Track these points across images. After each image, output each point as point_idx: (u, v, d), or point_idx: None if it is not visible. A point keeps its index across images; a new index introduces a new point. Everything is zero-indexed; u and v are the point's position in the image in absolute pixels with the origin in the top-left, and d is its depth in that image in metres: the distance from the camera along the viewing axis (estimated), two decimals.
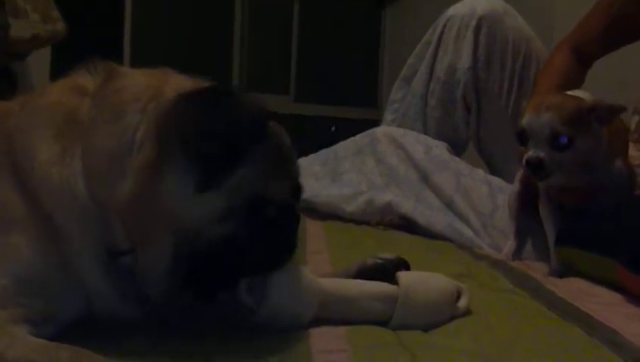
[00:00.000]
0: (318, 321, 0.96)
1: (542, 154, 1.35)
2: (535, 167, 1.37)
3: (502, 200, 1.83)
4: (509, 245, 1.67)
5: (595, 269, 1.39)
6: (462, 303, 1.06)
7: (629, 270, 1.27)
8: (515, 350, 0.94)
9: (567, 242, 1.48)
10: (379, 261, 1.08)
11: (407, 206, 1.95)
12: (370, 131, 2.19)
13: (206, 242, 0.84)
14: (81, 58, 0.91)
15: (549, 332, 1.04)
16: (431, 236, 1.86)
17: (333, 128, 4.97)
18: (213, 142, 0.81)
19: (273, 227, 0.88)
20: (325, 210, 2.03)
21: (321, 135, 3.98)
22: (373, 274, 1.04)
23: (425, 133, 2.15)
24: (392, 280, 1.01)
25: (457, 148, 2.15)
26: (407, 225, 1.94)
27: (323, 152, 2.22)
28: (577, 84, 1.67)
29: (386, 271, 1.04)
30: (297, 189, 0.94)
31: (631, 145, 1.61)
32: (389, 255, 1.09)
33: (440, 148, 2.05)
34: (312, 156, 2.19)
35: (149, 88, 0.86)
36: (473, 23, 2.07)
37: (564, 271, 1.45)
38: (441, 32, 2.16)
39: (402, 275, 1.02)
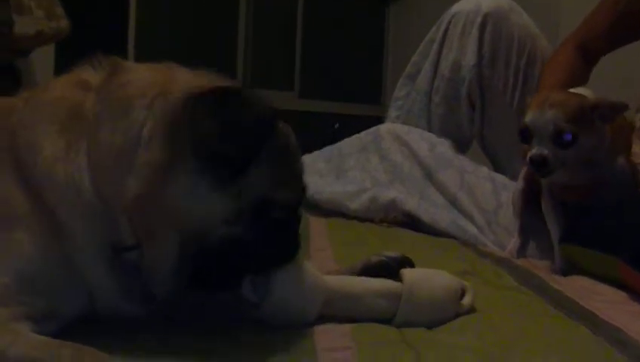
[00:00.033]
0: (323, 318, 0.96)
1: (545, 152, 1.35)
2: (538, 165, 1.36)
3: (506, 198, 1.83)
4: (513, 242, 1.67)
5: (599, 267, 1.39)
6: (466, 300, 1.06)
7: (632, 267, 1.27)
8: (519, 348, 0.94)
9: (571, 240, 1.48)
10: (383, 259, 1.08)
11: (412, 203, 1.95)
12: (374, 128, 2.19)
13: (213, 242, 0.84)
14: (85, 55, 0.91)
15: (554, 330, 1.04)
16: (435, 233, 1.86)
17: (336, 125, 4.97)
18: (225, 144, 0.81)
19: (278, 228, 0.88)
20: (329, 207, 2.03)
21: (325, 131, 3.98)
22: (378, 271, 1.04)
23: (429, 130, 2.15)
24: (396, 278, 1.01)
25: (461, 146, 2.15)
26: (411, 223, 1.93)
27: (327, 149, 2.21)
28: (582, 81, 1.66)
29: (390, 269, 1.04)
30: (302, 189, 0.94)
31: (635, 140, 1.60)
32: (393, 253, 1.09)
33: (444, 146, 2.05)
34: (316, 153, 2.19)
35: (155, 84, 0.85)
36: (478, 19, 2.06)
37: (568, 269, 1.45)
38: (446, 29, 2.15)
39: (406, 272, 1.02)
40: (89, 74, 0.89)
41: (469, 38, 2.08)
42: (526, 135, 1.38)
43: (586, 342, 0.98)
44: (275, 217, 0.87)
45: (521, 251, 1.65)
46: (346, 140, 2.22)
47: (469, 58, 2.07)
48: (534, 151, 1.36)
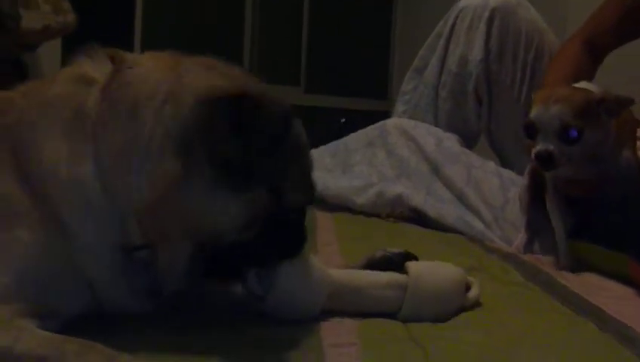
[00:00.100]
0: (329, 314, 0.96)
1: (551, 147, 1.34)
2: (544, 160, 1.36)
3: (513, 193, 1.82)
4: (520, 238, 1.66)
5: (608, 264, 1.39)
6: (472, 294, 1.06)
7: None
8: (526, 343, 0.94)
9: (579, 236, 1.47)
10: (387, 254, 1.08)
11: (418, 198, 1.94)
12: (380, 123, 2.18)
13: (225, 246, 0.85)
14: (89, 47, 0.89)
15: (561, 326, 1.04)
16: (442, 229, 1.85)
17: (342, 120, 4.97)
18: (240, 151, 0.80)
19: (287, 227, 0.88)
20: (335, 202, 2.03)
21: (332, 126, 3.97)
22: (382, 266, 1.04)
23: (436, 125, 2.15)
24: (401, 272, 1.01)
25: (468, 141, 2.14)
26: (418, 218, 1.93)
27: (333, 144, 2.21)
28: (588, 76, 1.65)
29: (394, 264, 1.04)
30: (312, 189, 0.94)
31: None
32: (396, 249, 1.09)
33: (451, 141, 2.05)
34: (322, 148, 2.19)
35: (163, 83, 0.83)
36: (486, 14, 2.06)
37: (576, 265, 1.44)
38: (453, 24, 2.15)
39: (412, 265, 1.02)
40: (91, 67, 0.87)
41: (477, 33, 2.07)
42: (531, 131, 1.37)
43: (594, 338, 0.98)
44: (285, 218, 0.87)
45: (528, 247, 1.64)
46: (352, 135, 2.22)
47: (477, 53, 2.07)
48: (540, 147, 1.35)
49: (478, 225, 1.83)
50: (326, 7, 5.57)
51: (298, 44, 5.54)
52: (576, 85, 1.45)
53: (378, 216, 1.97)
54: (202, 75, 0.85)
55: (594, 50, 1.75)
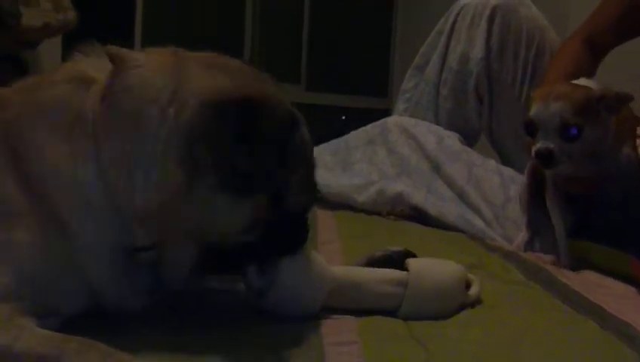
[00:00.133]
0: (330, 312, 0.95)
1: (551, 146, 1.34)
2: (545, 159, 1.35)
3: (514, 191, 1.82)
4: (521, 236, 1.66)
5: (608, 262, 1.39)
6: (473, 291, 1.06)
7: None
8: (527, 342, 0.94)
9: (578, 234, 1.47)
10: (387, 253, 1.08)
11: (419, 196, 1.94)
12: (381, 121, 2.18)
13: (228, 247, 0.86)
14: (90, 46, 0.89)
15: (562, 325, 1.03)
16: (442, 227, 1.85)
17: (343, 118, 4.96)
18: (245, 158, 0.80)
19: (289, 226, 0.89)
20: (336, 200, 2.03)
21: (332, 124, 3.97)
22: (382, 265, 1.04)
23: (436, 124, 2.14)
24: (402, 270, 1.01)
25: (469, 139, 2.14)
26: (419, 216, 1.93)
27: (334, 142, 2.21)
28: (589, 74, 1.65)
29: (394, 262, 1.04)
30: (315, 190, 0.94)
31: None
32: (396, 247, 1.09)
33: (452, 139, 2.04)
34: (322, 146, 2.18)
35: (166, 87, 0.81)
36: (487, 12, 2.05)
37: (577, 263, 1.44)
38: (454, 21, 2.14)
39: (412, 261, 1.02)
40: (91, 66, 0.86)
41: (478, 31, 2.07)
42: (531, 128, 1.37)
43: (594, 336, 0.98)
44: (287, 219, 0.87)
45: (529, 245, 1.64)
46: (353, 133, 2.21)
47: (477, 50, 2.07)
48: (540, 144, 1.35)
49: (479, 223, 1.83)
50: (327, 5, 5.56)
51: (299, 41, 5.54)
52: (576, 82, 1.45)
53: (379, 214, 1.97)
54: (205, 76, 0.84)
55: (594, 49, 1.75)
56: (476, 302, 1.07)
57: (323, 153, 2.13)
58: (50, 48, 3.18)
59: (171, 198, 0.80)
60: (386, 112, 2.39)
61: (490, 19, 2.06)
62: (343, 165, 2.11)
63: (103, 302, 0.85)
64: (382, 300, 0.98)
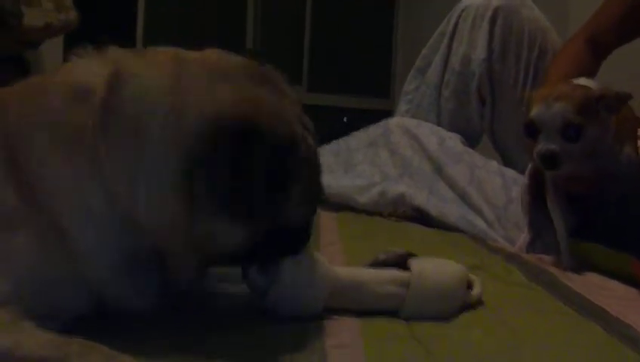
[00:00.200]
0: (332, 314, 0.95)
1: (553, 147, 1.33)
2: (548, 160, 1.35)
3: (516, 193, 1.82)
4: (523, 238, 1.66)
5: (610, 263, 1.39)
6: (475, 292, 1.06)
7: None
8: (529, 344, 0.94)
9: (579, 234, 1.47)
10: (390, 255, 1.07)
11: (421, 197, 1.94)
12: (383, 122, 2.18)
13: (228, 256, 0.87)
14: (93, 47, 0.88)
15: (564, 327, 1.03)
16: (444, 228, 1.85)
17: (345, 119, 4.96)
18: (246, 182, 0.80)
19: (290, 232, 0.89)
20: (338, 201, 2.03)
21: (334, 126, 3.96)
22: (384, 265, 1.04)
23: (438, 125, 2.14)
24: (403, 270, 1.01)
25: (471, 140, 2.14)
26: (421, 217, 1.93)
27: (336, 143, 2.21)
28: (590, 75, 1.65)
29: (395, 263, 1.04)
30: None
31: None
32: (398, 249, 1.09)
33: (454, 140, 2.04)
34: (324, 147, 2.18)
35: (166, 103, 0.80)
36: (489, 13, 2.05)
37: (578, 265, 1.44)
38: (456, 23, 2.14)
39: (414, 261, 1.02)
40: (88, 73, 0.85)
41: (480, 32, 2.07)
42: (532, 130, 1.37)
43: (597, 339, 0.98)
44: (289, 228, 0.88)
45: (531, 246, 1.64)
46: (355, 134, 2.22)
47: (479, 52, 2.07)
48: (542, 146, 1.34)
49: (481, 224, 1.83)
50: (329, 6, 5.56)
51: (300, 42, 5.54)
52: (575, 81, 1.45)
53: (381, 215, 1.97)
54: (204, 89, 0.83)
55: (596, 49, 1.74)
56: (478, 303, 1.06)
57: (325, 154, 2.12)
58: (52, 48, 3.19)
59: (175, 220, 0.80)
60: (388, 113, 2.39)
61: (492, 21, 2.06)
62: (345, 167, 2.11)
63: (106, 302, 0.84)
64: (383, 300, 0.98)
